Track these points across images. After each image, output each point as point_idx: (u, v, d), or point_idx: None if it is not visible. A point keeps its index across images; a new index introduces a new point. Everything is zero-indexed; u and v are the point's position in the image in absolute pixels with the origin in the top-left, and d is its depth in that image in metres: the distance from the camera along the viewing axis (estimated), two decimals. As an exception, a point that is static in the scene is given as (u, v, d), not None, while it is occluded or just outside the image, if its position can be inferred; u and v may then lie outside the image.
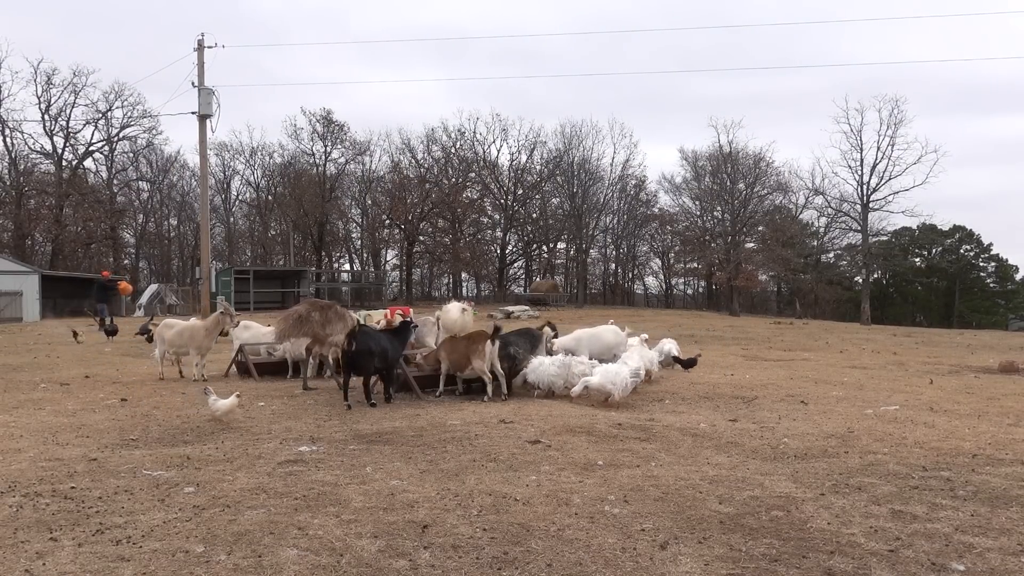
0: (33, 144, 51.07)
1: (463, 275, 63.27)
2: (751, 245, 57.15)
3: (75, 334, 20.18)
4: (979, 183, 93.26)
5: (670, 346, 13.10)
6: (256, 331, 13.44)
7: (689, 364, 12.43)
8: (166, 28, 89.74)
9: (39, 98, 49.74)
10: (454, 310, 12.84)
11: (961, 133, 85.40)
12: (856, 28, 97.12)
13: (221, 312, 12.11)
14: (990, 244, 68.83)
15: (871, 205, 50.63)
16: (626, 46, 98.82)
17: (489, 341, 9.29)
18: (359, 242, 66.54)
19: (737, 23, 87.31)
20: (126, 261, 60.91)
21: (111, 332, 20.49)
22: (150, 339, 19.65)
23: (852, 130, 50.66)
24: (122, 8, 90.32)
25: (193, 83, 28.21)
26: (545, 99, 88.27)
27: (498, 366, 9.45)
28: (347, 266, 66.92)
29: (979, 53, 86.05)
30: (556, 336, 11.49)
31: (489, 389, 9.39)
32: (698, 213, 60.51)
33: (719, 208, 57.59)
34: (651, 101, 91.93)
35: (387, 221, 60.41)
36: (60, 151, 51.53)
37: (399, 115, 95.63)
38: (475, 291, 64.60)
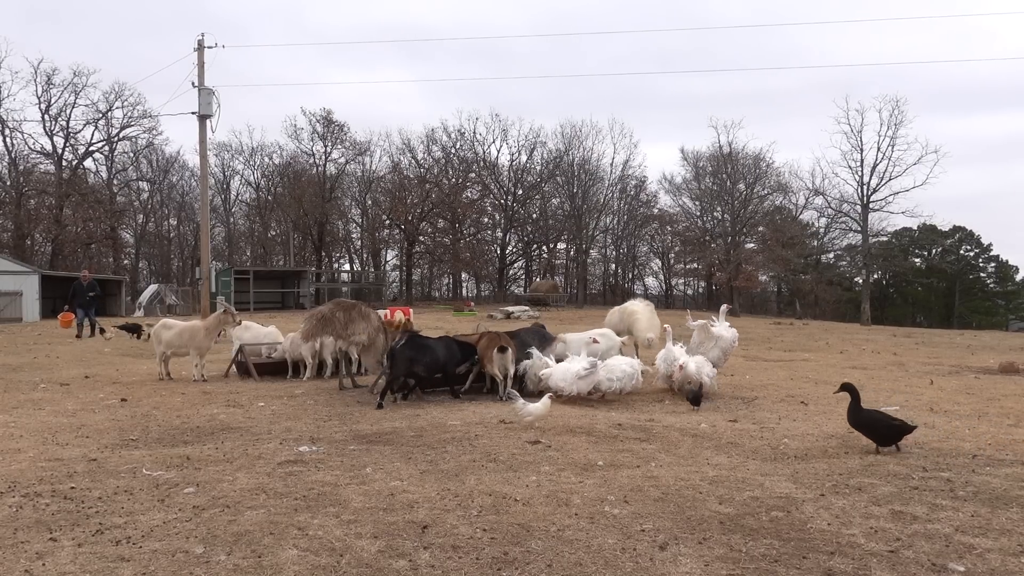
0: (33, 144, 51.12)
1: (463, 275, 63.30)
2: (751, 245, 57.16)
3: (101, 331, 20.18)
4: (965, 183, 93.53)
5: (703, 370, 9.70)
6: (256, 331, 13.43)
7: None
8: (164, 28, 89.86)
9: (39, 98, 49.80)
10: (642, 309, 12.18)
11: (940, 132, 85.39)
12: (832, 29, 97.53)
13: (223, 312, 12.11)
14: (990, 244, 68.93)
15: (871, 206, 50.64)
16: (613, 46, 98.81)
17: (498, 350, 9.46)
18: (359, 242, 66.56)
19: (714, 24, 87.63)
20: (126, 261, 60.94)
21: (131, 330, 20.48)
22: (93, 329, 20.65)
23: (852, 131, 50.71)
24: (119, 7, 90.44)
25: (193, 83, 28.19)
26: (515, 98, 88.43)
27: (510, 371, 9.61)
28: (347, 266, 66.94)
29: (954, 55, 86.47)
30: None
31: (501, 389, 9.61)
32: (698, 213, 60.53)
33: (719, 208, 57.62)
34: (637, 101, 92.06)
35: (387, 221, 60.41)
36: (60, 151, 51.57)
37: (370, 115, 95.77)
38: (475, 291, 64.62)
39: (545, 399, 7.43)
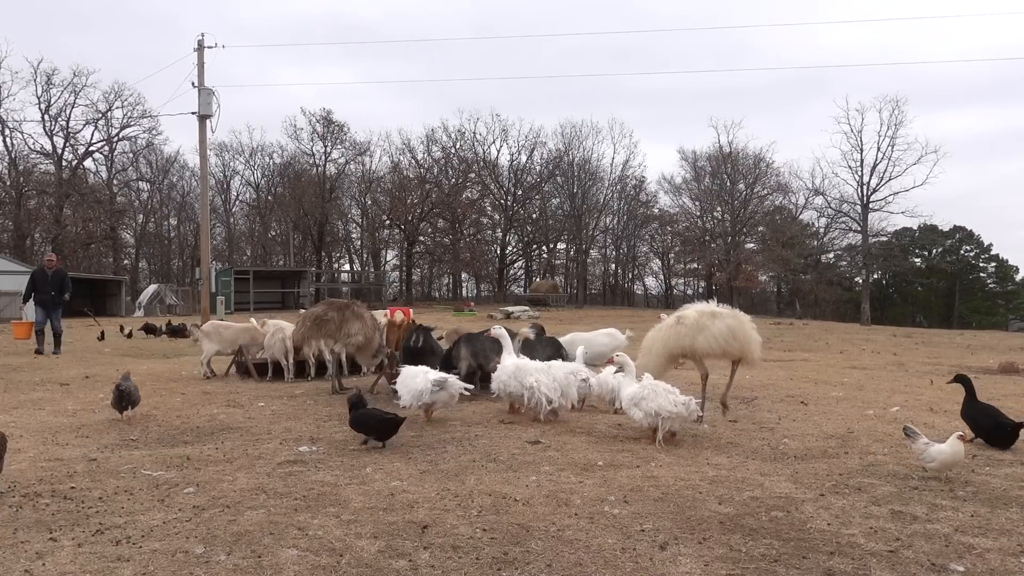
0: (33, 144, 51.25)
1: (463, 275, 63.35)
2: (751, 245, 57.27)
3: (129, 334, 20.10)
4: (960, 181, 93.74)
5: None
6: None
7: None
8: (164, 28, 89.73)
9: (39, 98, 49.96)
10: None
11: (931, 130, 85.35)
12: (815, 28, 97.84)
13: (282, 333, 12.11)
14: (990, 244, 69.01)
15: (871, 205, 50.73)
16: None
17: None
18: (359, 242, 66.63)
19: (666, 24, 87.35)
20: (126, 261, 60.97)
21: (150, 331, 20.41)
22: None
23: (852, 131, 50.80)
24: (118, 7, 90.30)
25: (193, 83, 28.21)
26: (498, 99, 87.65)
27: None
28: (347, 266, 66.98)
29: (917, 56, 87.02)
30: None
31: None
32: (698, 213, 60.59)
33: (719, 208, 57.67)
34: (629, 100, 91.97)
35: (387, 221, 60.47)
36: (60, 151, 51.67)
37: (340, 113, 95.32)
38: (475, 291, 64.65)
39: (954, 439, 5.41)
